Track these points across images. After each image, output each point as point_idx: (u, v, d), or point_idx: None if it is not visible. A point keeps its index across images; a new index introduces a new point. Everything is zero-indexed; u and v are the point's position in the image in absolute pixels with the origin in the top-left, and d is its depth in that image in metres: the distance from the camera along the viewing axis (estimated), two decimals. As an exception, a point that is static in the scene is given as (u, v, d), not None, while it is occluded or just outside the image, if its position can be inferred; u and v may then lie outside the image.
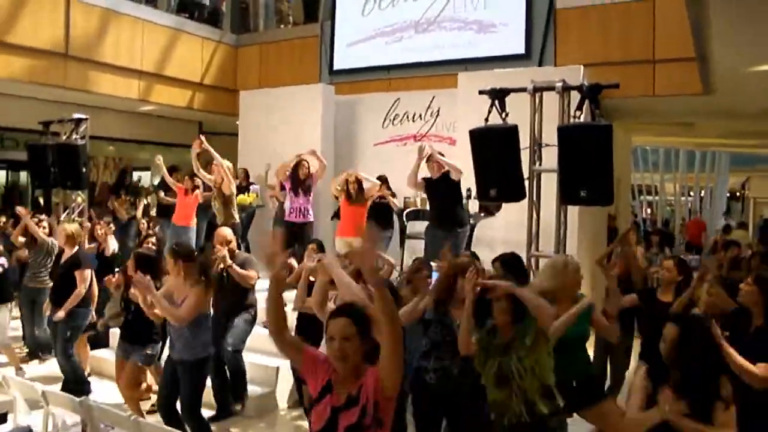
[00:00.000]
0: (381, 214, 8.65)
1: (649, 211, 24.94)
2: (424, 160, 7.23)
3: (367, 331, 2.75)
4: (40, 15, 10.14)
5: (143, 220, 10.47)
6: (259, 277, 6.07)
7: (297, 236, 8.23)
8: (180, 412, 5.26)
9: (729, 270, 7.03)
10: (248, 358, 6.31)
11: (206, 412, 5.94)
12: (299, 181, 8.68)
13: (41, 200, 12.57)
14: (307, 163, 8.77)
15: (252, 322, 6.17)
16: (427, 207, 9.12)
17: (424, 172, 7.41)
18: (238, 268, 5.91)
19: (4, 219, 10.08)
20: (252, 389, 6.30)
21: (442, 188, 7.27)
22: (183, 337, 5.14)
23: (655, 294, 5.21)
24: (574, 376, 4.24)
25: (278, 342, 2.91)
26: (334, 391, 2.76)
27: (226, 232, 6.17)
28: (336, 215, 9.68)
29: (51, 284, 7.09)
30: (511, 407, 3.55)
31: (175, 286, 5.23)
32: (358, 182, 8.16)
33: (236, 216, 8.64)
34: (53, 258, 7.33)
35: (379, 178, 8.55)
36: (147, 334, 5.84)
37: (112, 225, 9.11)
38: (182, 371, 5.24)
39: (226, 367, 6.09)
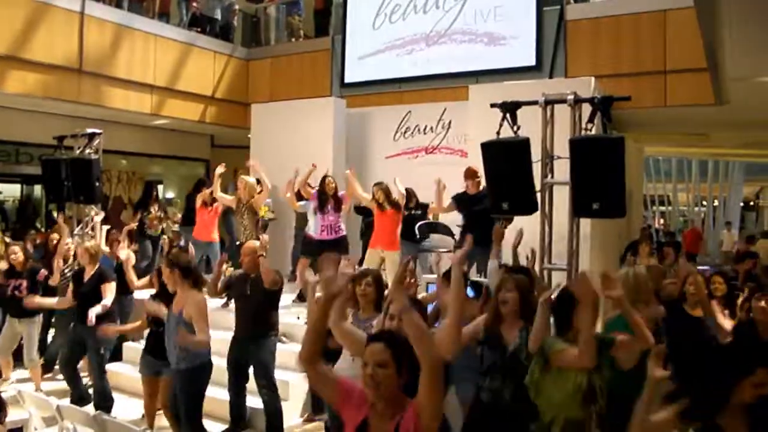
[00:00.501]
0: (412, 227, 8.62)
1: (662, 221, 24.80)
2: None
3: (404, 359, 2.57)
4: (54, 31, 10.25)
5: (165, 237, 10.53)
6: (282, 284, 6.08)
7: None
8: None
9: (743, 282, 6.93)
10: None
11: (220, 426, 5.98)
12: (327, 197, 8.26)
13: (55, 214, 12.66)
14: (333, 178, 8.50)
15: (274, 347, 6.03)
16: (440, 219, 9.19)
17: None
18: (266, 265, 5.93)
19: (34, 231, 10.15)
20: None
21: (478, 205, 7.23)
22: (180, 347, 5.20)
23: (682, 306, 5.15)
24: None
25: (310, 372, 2.69)
26: (370, 430, 2.60)
27: (255, 244, 6.18)
28: (364, 231, 9.62)
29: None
30: (589, 430, 3.33)
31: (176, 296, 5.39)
32: (384, 191, 8.11)
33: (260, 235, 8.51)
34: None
35: (407, 190, 8.58)
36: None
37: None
38: (178, 380, 5.32)
39: (245, 385, 6.08)
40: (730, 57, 7.03)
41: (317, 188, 8.37)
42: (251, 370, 5.99)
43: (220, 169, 8.73)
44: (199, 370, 5.32)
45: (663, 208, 24.41)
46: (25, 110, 11.42)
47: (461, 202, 7.52)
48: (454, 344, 3.42)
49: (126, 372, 7.26)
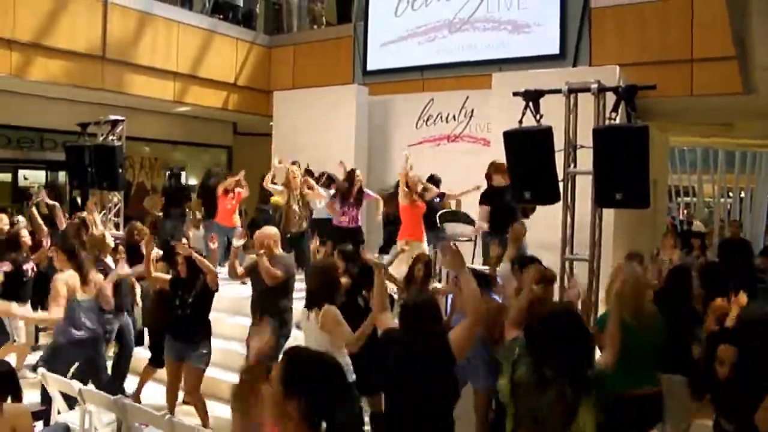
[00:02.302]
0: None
1: (686, 212, 24.48)
2: None
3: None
4: (78, 18, 10.32)
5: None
6: (283, 278, 5.92)
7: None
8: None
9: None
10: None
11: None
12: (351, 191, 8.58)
13: (79, 200, 12.79)
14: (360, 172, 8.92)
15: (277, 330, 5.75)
16: (462, 208, 9.16)
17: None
18: (266, 262, 5.77)
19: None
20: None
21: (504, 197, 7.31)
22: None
23: None
24: None
25: None
26: None
27: (271, 230, 6.14)
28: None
29: None
30: None
31: None
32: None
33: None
34: None
35: (432, 178, 8.69)
36: (202, 332, 5.61)
37: None
38: None
39: None
40: (760, 45, 6.89)
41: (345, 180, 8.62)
42: None
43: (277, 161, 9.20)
44: (54, 349, 5.55)
45: (688, 199, 24.05)
46: (49, 97, 11.51)
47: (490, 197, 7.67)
48: (468, 346, 3.51)
49: (146, 356, 7.26)
